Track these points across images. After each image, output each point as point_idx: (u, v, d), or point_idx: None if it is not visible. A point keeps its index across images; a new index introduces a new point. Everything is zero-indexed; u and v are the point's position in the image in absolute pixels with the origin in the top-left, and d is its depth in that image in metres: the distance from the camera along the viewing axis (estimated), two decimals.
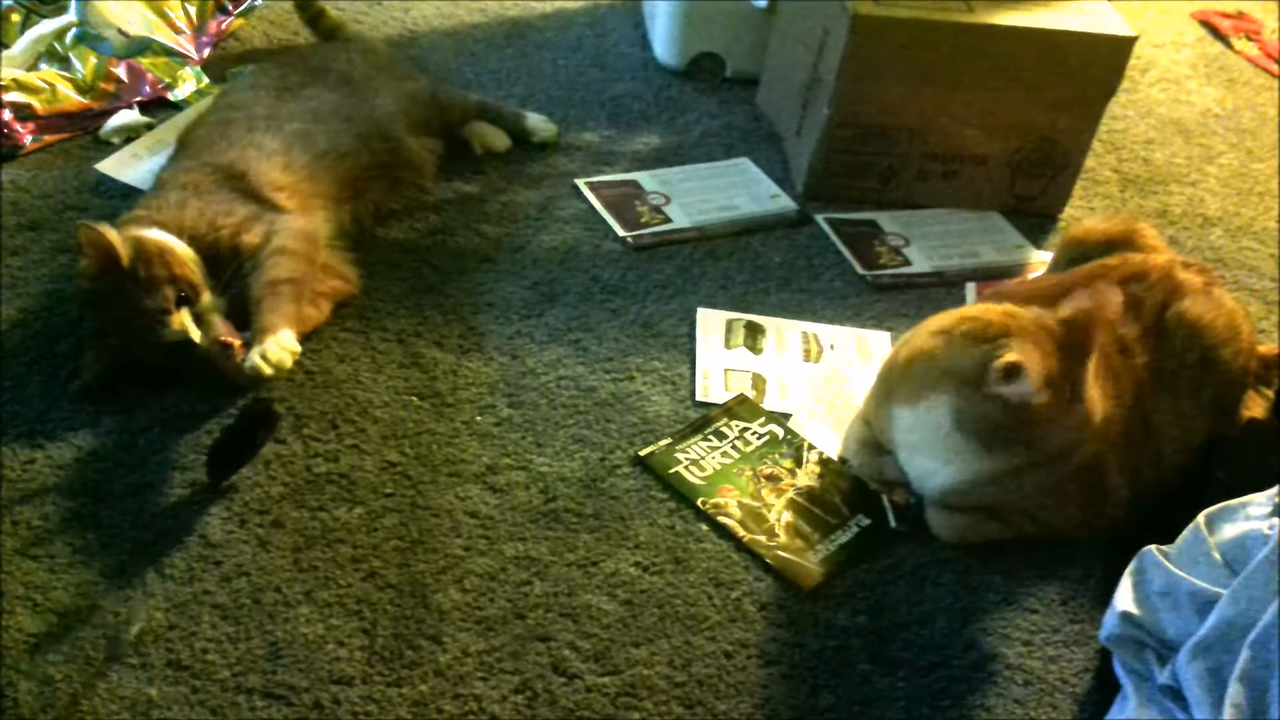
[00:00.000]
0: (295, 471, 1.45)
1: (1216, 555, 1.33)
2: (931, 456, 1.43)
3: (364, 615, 1.30)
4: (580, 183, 2.04)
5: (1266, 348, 1.69)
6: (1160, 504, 1.49)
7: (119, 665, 1.21)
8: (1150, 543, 1.39)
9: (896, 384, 1.47)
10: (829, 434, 1.61)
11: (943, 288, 1.92)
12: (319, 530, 1.39)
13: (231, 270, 1.58)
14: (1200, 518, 1.38)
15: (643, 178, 2.07)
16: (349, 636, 1.28)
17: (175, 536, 1.35)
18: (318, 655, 1.26)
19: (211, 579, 1.32)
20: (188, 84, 2.12)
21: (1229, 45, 2.88)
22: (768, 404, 1.65)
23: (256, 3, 2.35)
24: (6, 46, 2.08)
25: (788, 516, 1.48)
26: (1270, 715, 1.16)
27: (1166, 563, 1.35)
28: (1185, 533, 1.38)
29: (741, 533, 1.45)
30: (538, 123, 2.11)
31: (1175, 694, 1.24)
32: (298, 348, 1.51)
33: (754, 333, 1.77)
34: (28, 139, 1.96)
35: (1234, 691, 1.18)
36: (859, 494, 1.52)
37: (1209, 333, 1.53)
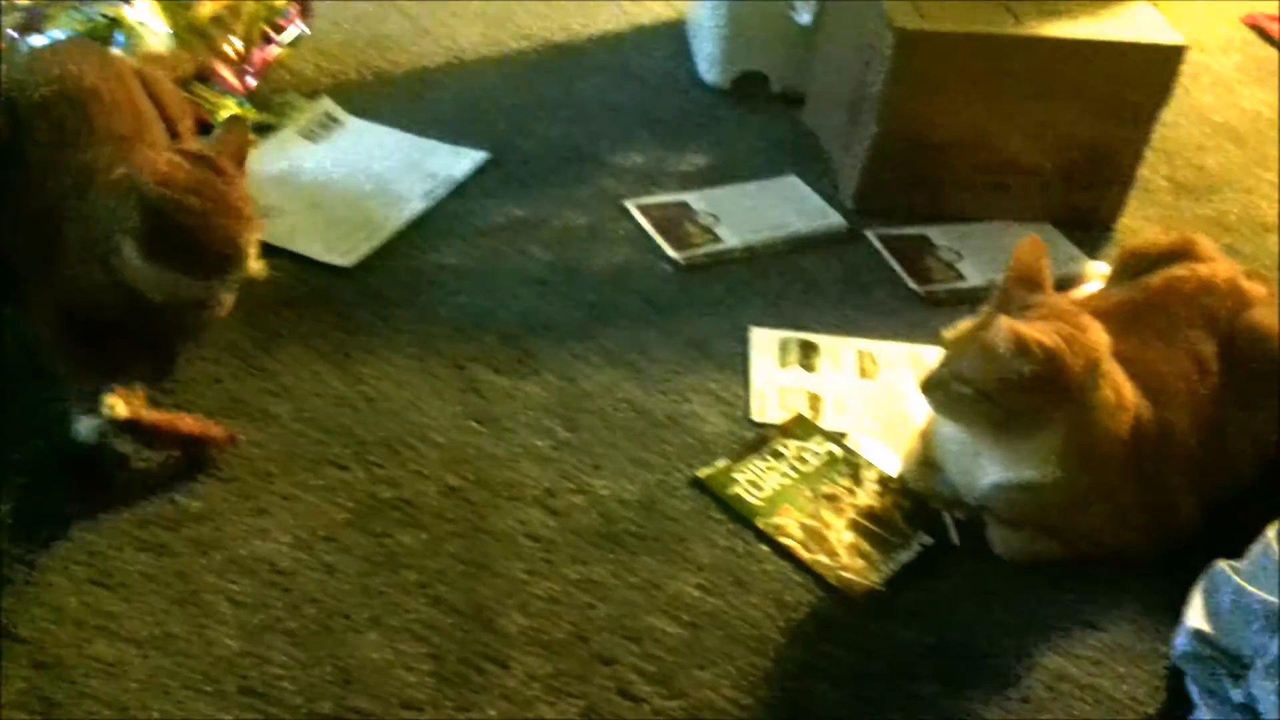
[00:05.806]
0: (359, 497, 1.47)
1: None
2: (971, 460, 1.44)
3: (431, 640, 1.32)
4: (629, 204, 2.05)
5: None
6: (1229, 516, 1.47)
7: (193, 692, 1.23)
8: (1219, 556, 1.37)
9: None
10: (887, 452, 1.60)
11: None
12: (384, 556, 1.40)
13: None
14: (1269, 531, 1.36)
15: (691, 198, 2.07)
16: (417, 661, 1.29)
17: (244, 564, 1.37)
18: (387, 680, 1.27)
19: (281, 606, 1.33)
20: (229, 113, 2.14)
21: None
22: (824, 423, 1.64)
23: (305, 33, 2.38)
24: None
25: (849, 536, 1.48)
26: None
27: (1237, 578, 1.33)
28: (1254, 546, 1.36)
29: (803, 553, 1.45)
30: None
31: (1252, 713, 1.23)
32: None
33: (808, 351, 1.76)
34: None
35: None
36: (920, 512, 1.51)
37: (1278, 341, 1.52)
